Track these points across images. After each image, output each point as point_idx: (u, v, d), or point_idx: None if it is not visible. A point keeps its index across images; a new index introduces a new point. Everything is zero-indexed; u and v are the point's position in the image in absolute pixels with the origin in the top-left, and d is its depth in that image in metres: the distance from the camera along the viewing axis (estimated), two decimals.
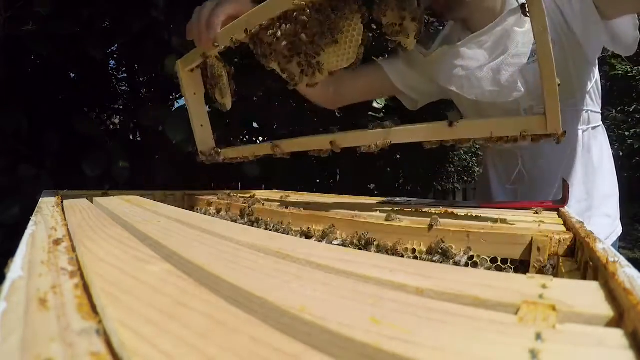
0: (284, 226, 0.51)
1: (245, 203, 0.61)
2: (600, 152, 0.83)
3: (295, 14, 0.53)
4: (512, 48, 0.64)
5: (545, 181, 0.82)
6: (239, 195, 0.75)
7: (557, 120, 0.42)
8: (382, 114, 1.67)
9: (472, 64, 0.68)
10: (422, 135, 0.51)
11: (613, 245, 0.84)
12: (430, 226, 0.40)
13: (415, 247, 0.40)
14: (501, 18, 0.66)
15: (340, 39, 0.53)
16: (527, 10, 0.40)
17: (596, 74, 0.82)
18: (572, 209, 0.79)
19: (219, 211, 0.66)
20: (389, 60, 0.87)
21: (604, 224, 0.82)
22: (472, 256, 0.37)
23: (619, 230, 0.85)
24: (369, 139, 0.53)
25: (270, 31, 0.56)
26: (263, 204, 0.61)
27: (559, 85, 0.40)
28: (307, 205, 0.59)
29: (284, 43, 0.56)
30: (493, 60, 0.67)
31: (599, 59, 0.81)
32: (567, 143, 0.79)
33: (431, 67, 0.76)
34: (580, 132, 0.80)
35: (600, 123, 0.85)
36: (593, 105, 0.81)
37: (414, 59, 0.82)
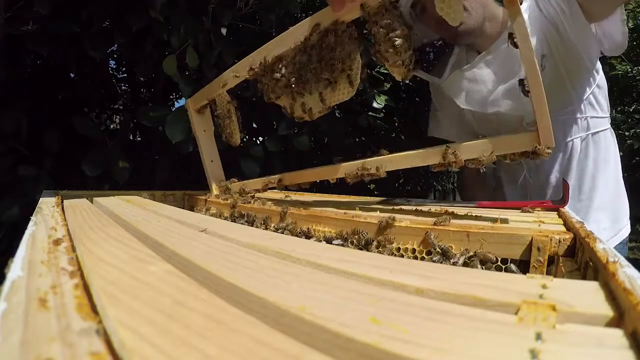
0: (284, 226, 0.51)
1: (248, 202, 0.61)
2: (603, 156, 0.84)
3: (298, 52, 0.57)
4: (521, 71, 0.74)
5: (547, 184, 0.86)
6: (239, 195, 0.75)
7: (550, 136, 0.44)
8: (382, 114, 1.67)
9: (486, 83, 0.76)
10: (419, 161, 0.52)
11: (617, 249, 0.84)
12: (439, 223, 0.40)
13: (415, 247, 0.40)
14: (503, 38, 0.72)
15: (340, 75, 0.55)
16: (515, 38, 0.44)
17: (597, 80, 0.83)
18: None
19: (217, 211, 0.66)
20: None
21: (600, 227, 0.83)
22: (472, 256, 0.37)
23: (622, 234, 0.84)
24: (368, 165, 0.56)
25: (277, 70, 0.60)
26: (264, 204, 0.61)
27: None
28: (307, 205, 0.59)
29: (292, 79, 0.59)
30: (504, 81, 0.73)
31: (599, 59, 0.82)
32: (565, 149, 0.83)
33: (449, 90, 0.82)
34: (578, 140, 0.82)
35: (606, 127, 0.86)
36: (594, 111, 0.83)
37: (443, 106, 0.94)
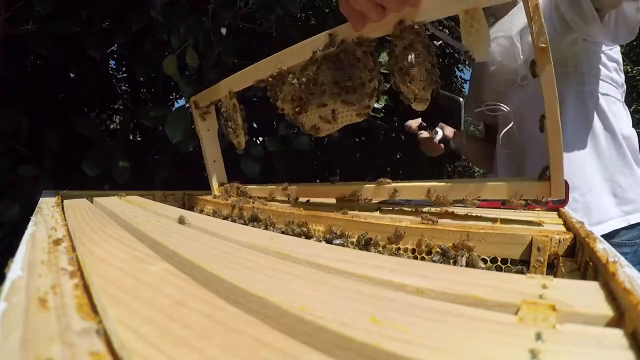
0: (284, 226, 0.51)
1: (246, 202, 0.61)
2: (611, 121, 0.80)
3: (312, 66, 0.55)
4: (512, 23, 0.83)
5: (535, 140, 0.82)
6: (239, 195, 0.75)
7: (561, 189, 0.43)
8: (382, 114, 1.67)
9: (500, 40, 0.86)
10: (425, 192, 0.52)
11: (631, 228, 0.75)
12: (432, 222, 0.40)
13: (415, 247, 0.40)
14: (516, 8, 0.83)
15: (356, 94, 0.54)
16: (537, 71, 0.42)
17: (604, 50, 0.82)
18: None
19: (217, 211, 0.66)
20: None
21: (604, 204, 0.76)
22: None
23: (631, 219, 0.75)
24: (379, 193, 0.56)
25: (289, 80, 0.58)
26: (265, 204, 0.61)
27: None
28: (307, 205, 0.59)
29: (304, 92, 0.58)
30: (503, 36, 0.84)
31: None
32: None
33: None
34: (572, 92, 0.80)
35: (608, 93, 0.83)
36: (593, 69, 0.82)
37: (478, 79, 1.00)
